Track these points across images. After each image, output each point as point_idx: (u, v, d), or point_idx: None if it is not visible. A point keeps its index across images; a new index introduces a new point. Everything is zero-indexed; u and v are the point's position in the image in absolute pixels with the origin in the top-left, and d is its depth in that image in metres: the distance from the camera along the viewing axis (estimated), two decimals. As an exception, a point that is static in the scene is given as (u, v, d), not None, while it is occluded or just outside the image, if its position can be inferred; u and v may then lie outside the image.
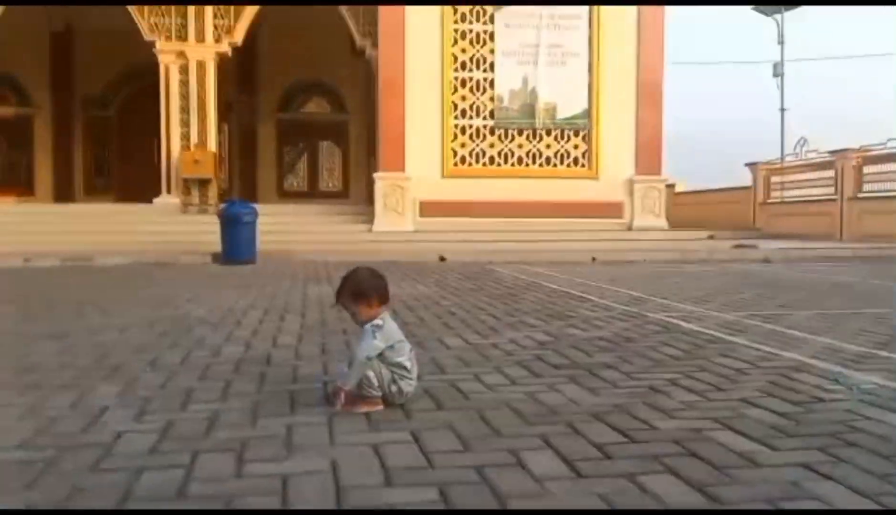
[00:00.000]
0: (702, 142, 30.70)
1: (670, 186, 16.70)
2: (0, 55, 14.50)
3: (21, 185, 17.45)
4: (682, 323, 4.56)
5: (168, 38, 13.24)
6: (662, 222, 13.40)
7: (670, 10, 13.79)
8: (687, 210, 17.85)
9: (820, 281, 7.84)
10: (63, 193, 17.39)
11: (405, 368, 2.60)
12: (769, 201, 16.16)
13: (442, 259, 10.65)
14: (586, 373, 3.16)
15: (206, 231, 11.13)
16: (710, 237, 13.09)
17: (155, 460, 2.06)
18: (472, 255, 10.84)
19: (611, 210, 13.15)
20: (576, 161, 13.33)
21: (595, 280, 7.63)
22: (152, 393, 2.81)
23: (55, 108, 17.67)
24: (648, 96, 13.45)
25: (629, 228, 13.20)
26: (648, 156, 13.50)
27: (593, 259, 10.81)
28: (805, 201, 14.93)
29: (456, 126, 13.07)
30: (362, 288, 2.64)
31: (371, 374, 2.53)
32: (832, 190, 14.11)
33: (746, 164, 17.09)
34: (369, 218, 12.95)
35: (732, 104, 45.80)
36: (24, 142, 17.74)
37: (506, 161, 13.19)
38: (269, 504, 1.76)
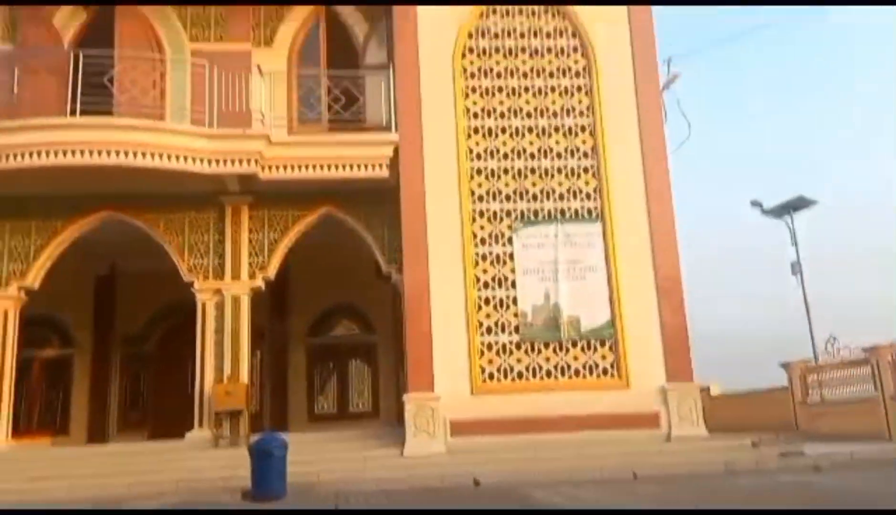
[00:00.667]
0: (730, 341, 30.57)
1: (705, 389, 16.42)
2: (46, 299, 15.20)
3: (56, 426, 17.68)
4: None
5: (206, 277, 13.99)
6: (702, 430, 13.02)
7: (680, 216, 14.38)
8: (725, 413, 17.36)
9: (879, 496, 7.43)
10: (97, 430, 17.49)
11: None
12: (809, 401, 15.73)
13: (476, 483, 10.34)
14: None
15: (237, 465, 11.02)
16: (754, 444, 12.60)
17: None
18: (507, 475, 10.52)
19: (646, 421, 12.85)
20: (605, 371, 13.28)
21: (641, 500, 7.32)
22: None
23: (95, 347, 18.28)
24: (669, 301, 13.66)
25: (668, 439, 12.81)
26: (678, 361, 13.43)
27: (634, 475, 10.43)
28: (846, 401, 14.52)
29: (482, 343, 13.25)
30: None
31: None
32: (872, 386, 13.77)
33: (781, 364, 16.87)
34: (400, 439, 12.76)
35: (756, 302, 46.12)
36: (62, 381, 18.20)
37: (534, 375, 13.17)
38: None
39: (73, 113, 12.97)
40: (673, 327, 13.57)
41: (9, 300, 13.69)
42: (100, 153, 12.62)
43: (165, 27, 14.78)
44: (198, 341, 13.94)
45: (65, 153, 12.53)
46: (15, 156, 12.50)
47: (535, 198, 14.00)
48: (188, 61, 14.38)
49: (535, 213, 13.92)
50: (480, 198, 13.97)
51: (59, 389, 18.25)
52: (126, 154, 12.72)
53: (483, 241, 13.78)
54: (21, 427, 15.96)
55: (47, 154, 12.48)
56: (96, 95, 13.20)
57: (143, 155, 12.81)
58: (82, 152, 12.57)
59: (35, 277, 13.82)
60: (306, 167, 13.84)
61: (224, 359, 13.74)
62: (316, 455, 12.16)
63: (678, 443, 12.59)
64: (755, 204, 25.34)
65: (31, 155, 12.48)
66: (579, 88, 14.53)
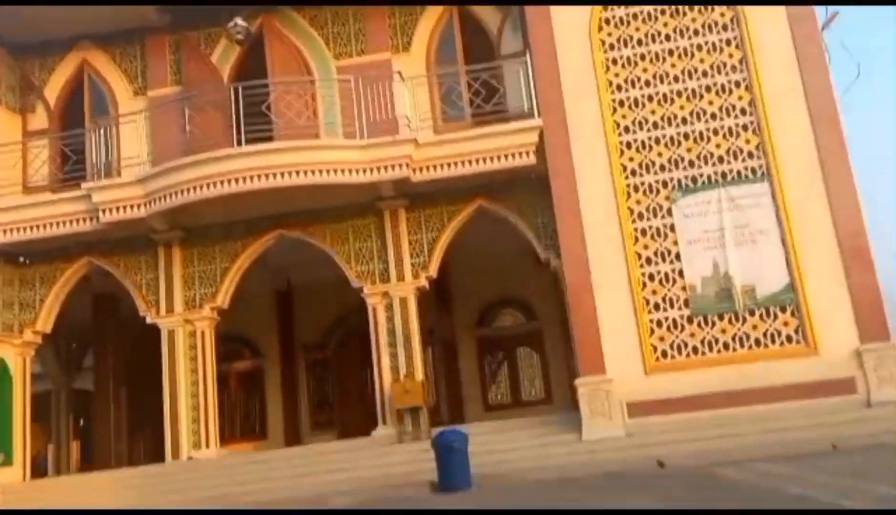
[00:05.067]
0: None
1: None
2: (235, 317, 16.53)
3: (256, 432, 19.40)
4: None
5: (373, 282, 14.63)
6: (906, 393, 11.89)
7: (858, 165, 13.15)
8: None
9: None
10: (292, 434, 18.96)
11: None
12: None
13: (660, 464, 10.10)
14: None
15: (421, 459, 11.53)
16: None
17: None
18: (692, 457, 10.18)
19: (840, 387, 11.91)
20: (789, 339, 12.45)
21: (843, 475, 6.83)
22: None
23: (282, 357, 19.80)
24: (856, 258, 12.56)
25: (867, 405, 11.82)
26: (872, 320, 12.33)
27: (833, 447, 9.74)
28: None
29: (651, 321, 12.85)
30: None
31: None
32: None
33: None
34: (576, 425, 12.69)
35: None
36: (257, 391, 19.95)
37: (710, 349, 12.60)
38: None
39: (238, 143, 14.01)
40: (862, 285, 12.46)
41: (204, 320, 15.04)
42: (266, 177, 13.51)
43: (311, 49, 15.60)
44: (372, 343, 14.61)
45: (234, 181, 13.51)
46: (192, 190, 13.66)
47: (691, 164, 13.36)
48: (334, 78, 15.11)
49: (694, 180, 13.29)
50: (633, 172, 13.53)
51: (256, 398, 19.95)
52: (289, 174, 13.53)
53: (641, 216, 13.35)
54: (226, 434, 17.55)
55: (220, 184, 13.53)
56: (258, 123, 14.21)
57: (304, 173, 13.57)
58: (250, 178, 13.50)
59: (224, 298, 15.07)
60: (455, 164, 14.03)
61: (399, 359, 14.30)
62: (495, 446, 12.39)
63: (880, 409, 11.57)
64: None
65: (205, 186, 13.57)
66: (728, 42, 13.68)
